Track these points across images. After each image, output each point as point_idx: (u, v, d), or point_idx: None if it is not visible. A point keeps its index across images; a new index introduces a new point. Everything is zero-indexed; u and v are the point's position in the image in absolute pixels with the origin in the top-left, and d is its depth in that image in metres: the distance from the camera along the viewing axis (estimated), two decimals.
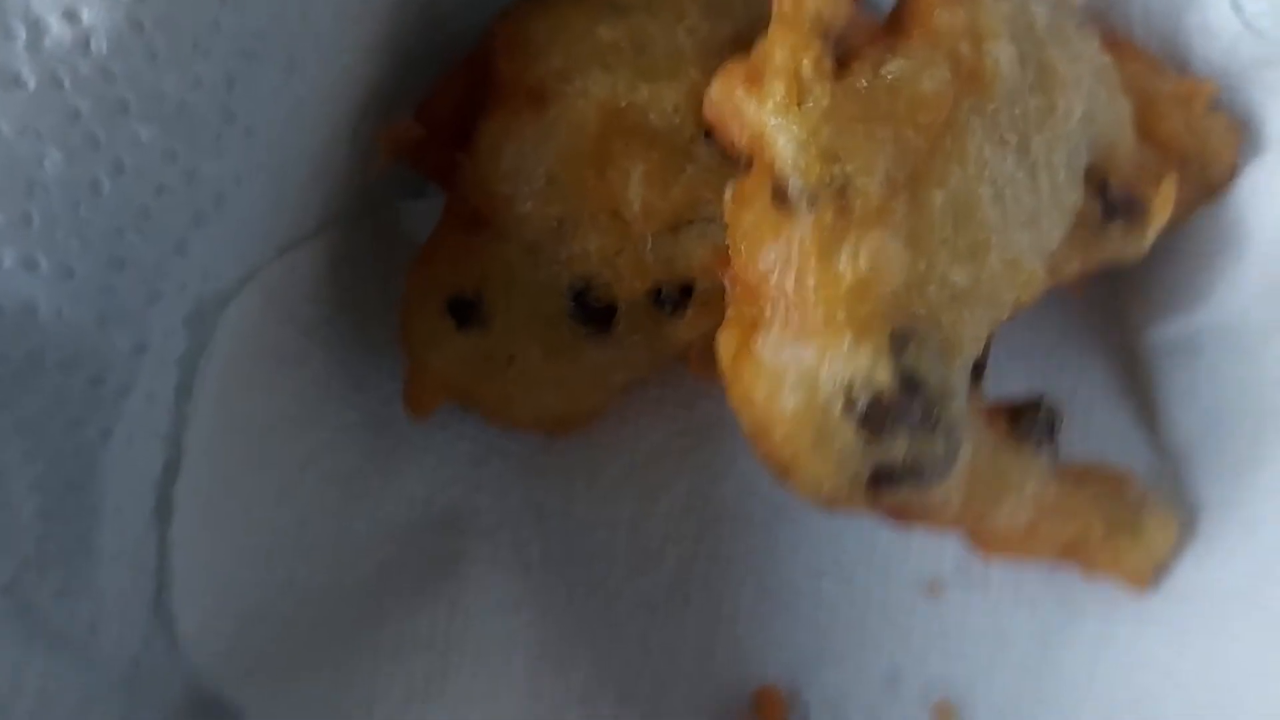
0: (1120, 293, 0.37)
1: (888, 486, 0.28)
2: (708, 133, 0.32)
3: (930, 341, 0.27)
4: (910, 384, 0.27)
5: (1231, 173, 0.34)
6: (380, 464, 0.35)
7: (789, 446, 0.28)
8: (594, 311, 0.33)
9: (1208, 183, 0.34)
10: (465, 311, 0.33)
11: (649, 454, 0.37)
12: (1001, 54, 0.29)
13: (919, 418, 0.27)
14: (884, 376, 0.27)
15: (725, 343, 0.29)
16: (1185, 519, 0.35)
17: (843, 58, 0.28)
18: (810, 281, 0.27)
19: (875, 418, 0.27)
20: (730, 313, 0.29)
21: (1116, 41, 0.34)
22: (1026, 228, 0.29)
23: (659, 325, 0.34)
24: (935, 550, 0.36)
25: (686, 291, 0.34)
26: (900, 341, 0.27)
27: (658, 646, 0.36)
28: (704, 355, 0.34)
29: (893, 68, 0.28)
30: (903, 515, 0.30)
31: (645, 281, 0.33)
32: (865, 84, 0.28)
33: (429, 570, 0.34)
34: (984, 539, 0.33)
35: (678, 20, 0.33)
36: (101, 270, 0.25)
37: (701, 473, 0.37)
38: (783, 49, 0.27)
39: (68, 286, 0.25)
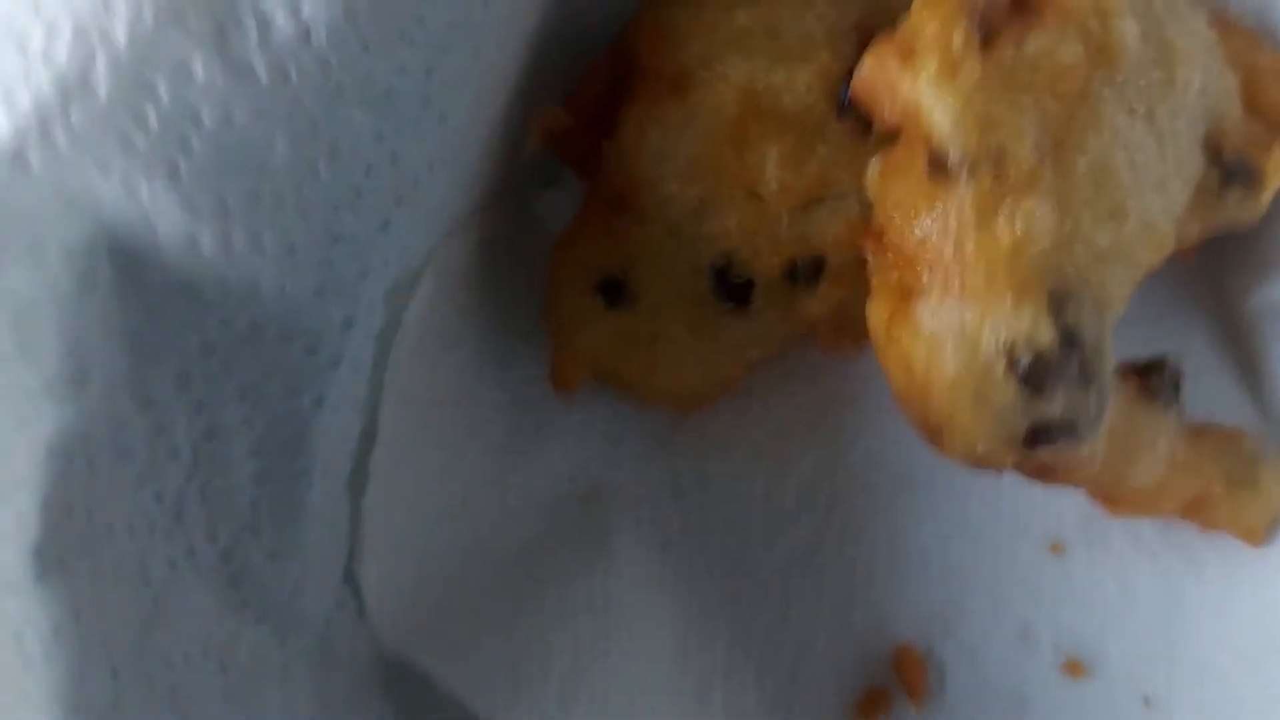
0: (1223, 259, 0.39)
1: (1044, 443, 0.29)
2: (839, 112, 0.34)
3: (1085, 299, 0.29)
4: (1070, 341, 0.28)
5: None
6: (527, 441, 0.36)
7: (948, 407, 0.29)
8: (734, 287, 0.35)
9: None
10: (614, 291, 0.35)
11: (778, 428, 0.39)
12: (1127, 30, 0.31)
13: (1076, 374, 0.29)
14: (1046, 335, 0.28)
15: (877, 311, 0.31)
16: None
17: (985, 33, 0.30)
18: (970, 246, 0.28)
19: (1037, 375, 0.28)
20: (876, 282, 0.31)
21: (1218, 17, 0.36)
22: (1157, 191, 0.31)
23: (793, 300, 0.36)
24: (1056, 511, 0.38)
25: (818, 266, 0.35)
26: (1058, 301, 0.28)
27: (795, 614, 0.37)
28: (833, 328, 0.36)
29: (1032, 42, 0.30)
30: (1046, 473, 0.32)
31: (781, 257, 0.35)
32: (1010, 57, 0.29)
33: (580, 541, 0.35)
34: (1116, 497, 0.35)
35: (807, 6, 0.35)
36: (319, 246, 0.27)
37: (829, 445, 0.39)
38: (934, 24, 0.29)
39: (290, 262, 0.26)
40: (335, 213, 0.27)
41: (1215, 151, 0.34)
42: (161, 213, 0.25)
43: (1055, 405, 0.29)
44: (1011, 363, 0.28)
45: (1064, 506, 0.38)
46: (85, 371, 0.24)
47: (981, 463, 0.30)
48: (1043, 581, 0.37)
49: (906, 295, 0.30)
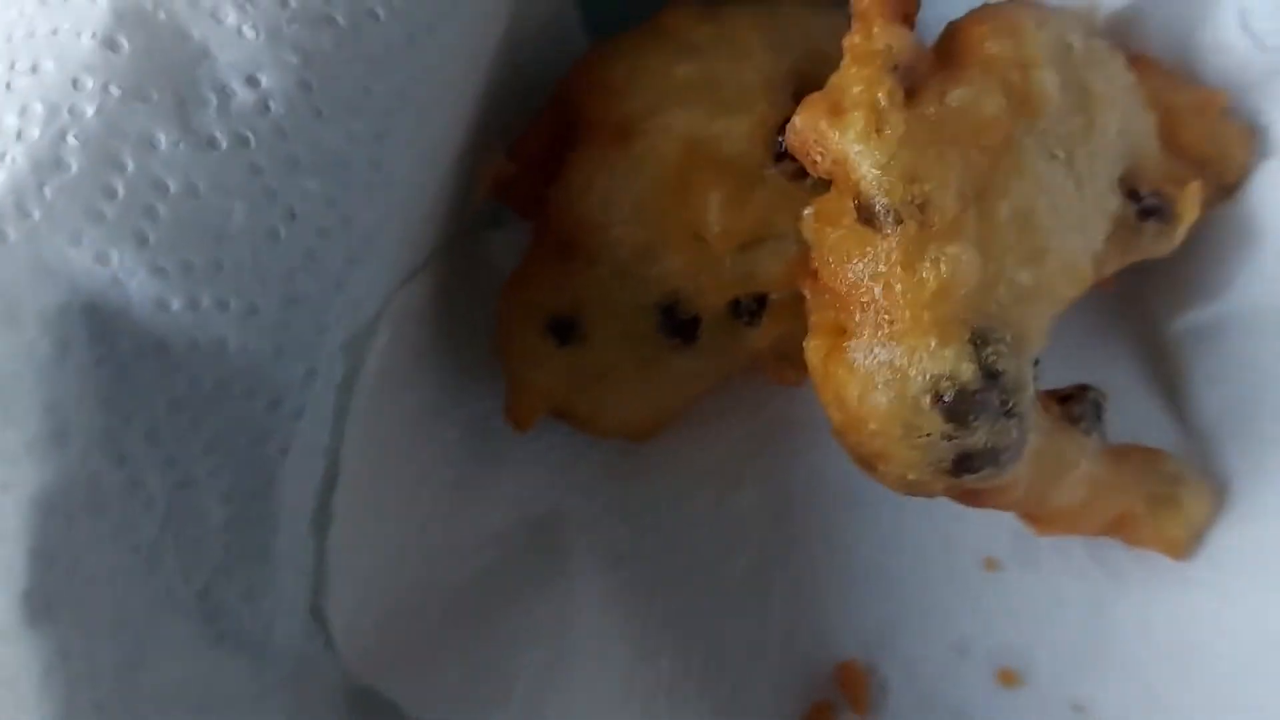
0: (1145, 287, 0.41)
1: (969, 471, 0.31)
2: (775, 159, 0.36)
3: (1005, 338, 0.31)
4: (990, 376, 0.30)
5: (1245, 174, 0.38)
6: (483, 474, 0.38)
7: (880, 439, 0.31)
8: (680, 324, 0.37)
9: (1224, 183, 0.38)
10: (565, 330, 0.37)
11: (722, 454, 0.41)
12: (1048, 80, 0.33)
13: (997, 407, 0.31)
14: (968, 372, 0.30)
15: (814, 349, 0.32)
16: (1218, 492, 0.39)
17: (909, 88, 0.32)
18: (897, 289, 0.30)
19: (960, 409, 0.30)
20: (813, 320, 0.33)
21: (1138, 58, 0.38)
22: (1077, 231, 0.33)
23: (737, 334, 0.38)
24: (990, 529, 0.40)
25: (761, 303, 0.37)
26: (980, 339, 0.30)
27: (742, 631, 0.39)
28: (776, 358, 0.38)
29: (955, 95, 0.31)
30: (974, 498, 0.34)
31: (725, 295, 0.37)
32: (933, 111, 0.31)
33: (536, 567, 0.37)
34: (1041, 517, 0.37)
35: (744, 58, 0.37)
36: (279, 308, 0.28)
37: (772, 468, 0.41)
38: (859, 83, 0.31)
39: (252, 323, 0.28)
40: (292, 275, 0.28)
41: (1132, 189, 0.36)
42: (131, 277, 0.26)
43: (979, 436, 0.31)
44: (937, 398, 0.30)
45: (997, 525, 0.40)
46: (63, 431, 0.25)
47: (913, 490, 0.32)
48: (978, 597, 0.39)
49: (841, 334, 0.32)
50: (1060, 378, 0.36)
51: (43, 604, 0.25)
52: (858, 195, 0.31)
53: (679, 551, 0.40)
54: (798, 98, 0.33)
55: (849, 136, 0.31)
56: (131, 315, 0.27)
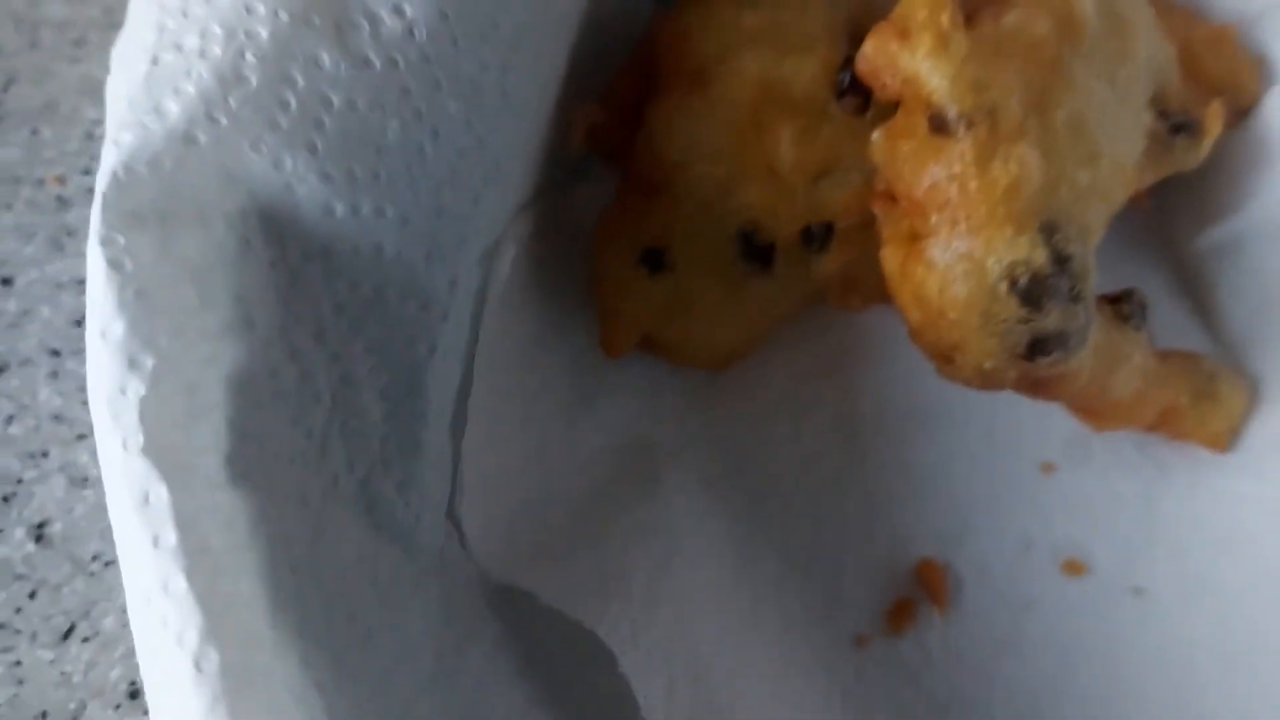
0: (1170, 207, 0.44)
1: (1042, 354, 0.34)
2: (838, 97, 0.39)
3: (1071, 227, 0.34)
4: (1060, 262, 0.33)
5: (1256, 100, 0.42)
6: (585, 400, 0.41)
7: (958, 329, 0.34)
8: (758, 250, 0.40)
9: (1238, 108, 0.42)
10: (655, 262, 0.39)
11: (798, 378, 0.43)
12: (1087, 5, 0.36)
13: (1066, 292, 0.34)
14: (1040, 257, 0.33)
15: (890, 256, 0.35)
16: (1252, 388, 0.42)
17: (968, 13, 0.35)
18: (972, 186, 0.33)
19: (1035, 293, 0.33)
20: (887, 233, 0.36)
21: (1156, 4, 0.41)
22: (1122, 139, 0.36)
23: (808, 261, 0.40)
24: (1045, 437, 0.43)
25: (829, 230, 0.40)
26: (1049, 230, 0.33)
27: (827, 537, 0.42)
28: (842, 287, 0.41)
29: (1009, 20, 0.35)
30: (1043, 387, 0.36)
31: (797, 224, 0.40)
32: (991, 32, 0.34)
33: (637, 482, 0.40)
34: (1099, 410, 0.39)
35: (805, 9, 0.40)
36: (428, 218, 0.31)
37: (843, 389, 0.43)
38: (924, 7, 0.34)
39: (405, 231, 0.30)
40: (439, 189, 0.31)
41: (1161, 109, 0.39)
42: (302, 182, 0.29)
43: (1051, 319, 0.33)
44: (1013, 283, 0.33)
45: (1051, 431, 0.43)
46: (250, 320, 0.28)
47: (988, 381, 0.35)
48: (1037, 496, 0.42)
49: (916, 239, 0.34)
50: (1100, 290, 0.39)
51: (241, 470, 0.27)
52: (930, 107, 0.34)
53: (763, 472, 0.42)
54: (855, 42, 0.36)
55: (919, 55, 0.34)
56: (301, 221, 0.29)
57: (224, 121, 0.28)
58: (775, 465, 0.42)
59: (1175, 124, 0.39)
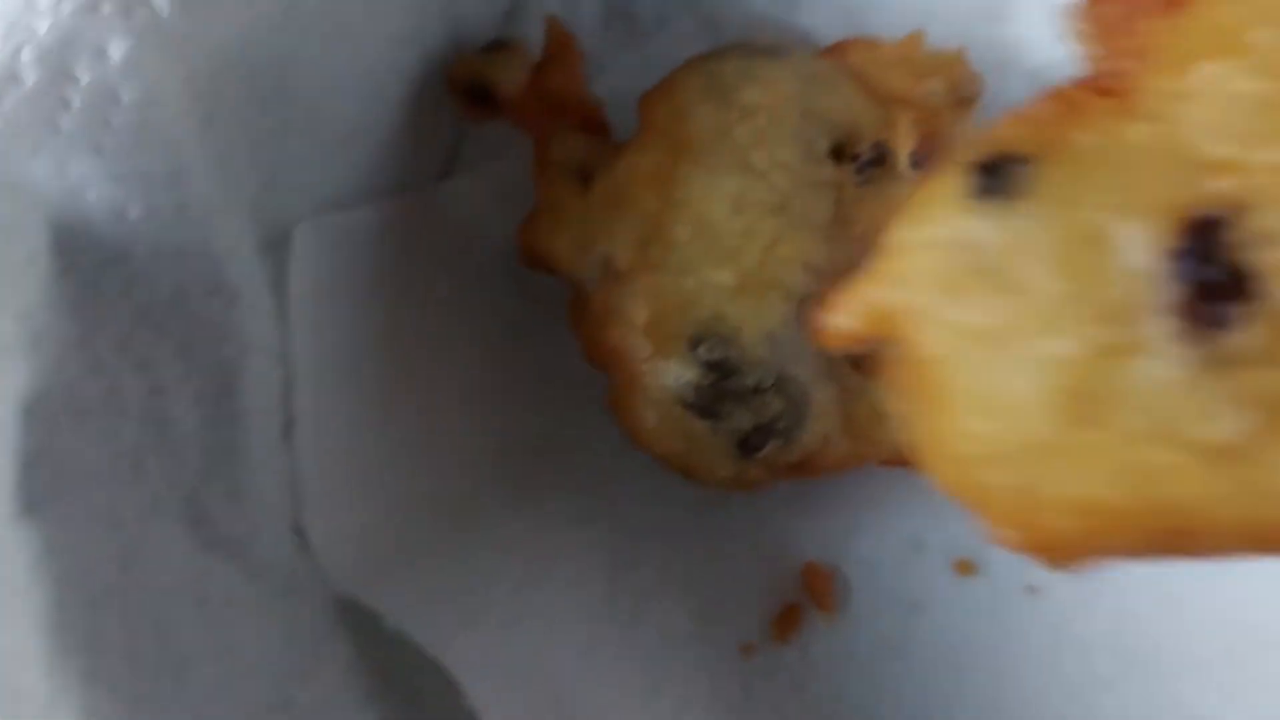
0: None
1: (756, 450, 0.33)
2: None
3: (717, 333, 0.33)
4: (714, 368, 0.33)
5: (979, 82, 0.39)
6: (455, 400, 0.38)
7: (676, 458, 0.34)
8: None
9: (968, 96, 0.39)
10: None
11: None
12: (697, 117, 0.34)
13: (746, 389, 0.33)
14: (692, 373, 0.33)
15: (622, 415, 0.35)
16: None
17: (583, 177, 0.35)
18: (617, 334, 0.33)
19: (706, 403, 0.33)
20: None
21: (835, 46, 0.38)
22: (777, 214, 0.34)
23: None
24: None
25: None
26: (694, 342, 0.33)
27: (712, 543, 0.39)
28: None
29: (619, 166, 0.34)
30: (806, 469, 0.35)
31: None
32: (601, 186, 0.34)
33: (510, 487, 0.37)
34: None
35: None
36: (228, 210, 0.28)
37: None
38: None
39: (206, 227, 0.28)
40: (238, 181, 0.28)
41: (851, 153, 0.37)
42: (91, 186, 0.26)
43: (741, 418, 0.33)
44: (684, 401, 0.33)
45: None
46: (38, 338, 0.25)
47: (742, 486, 0.35)
48: (930, 496, 0.39)
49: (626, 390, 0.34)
50: None
51: (32, 499, 0.24)
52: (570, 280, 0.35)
53: (649, 474, 0.39)
54: None
55: (551, 239, 0.35)
56: (93, 227, 0.27)
57: None
58: (655, 473, 0.39)
59: (864, 163, 0.36)
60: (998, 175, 0.16)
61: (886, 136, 0.36)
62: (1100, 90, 0.16)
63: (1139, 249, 0.15)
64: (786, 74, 0.36)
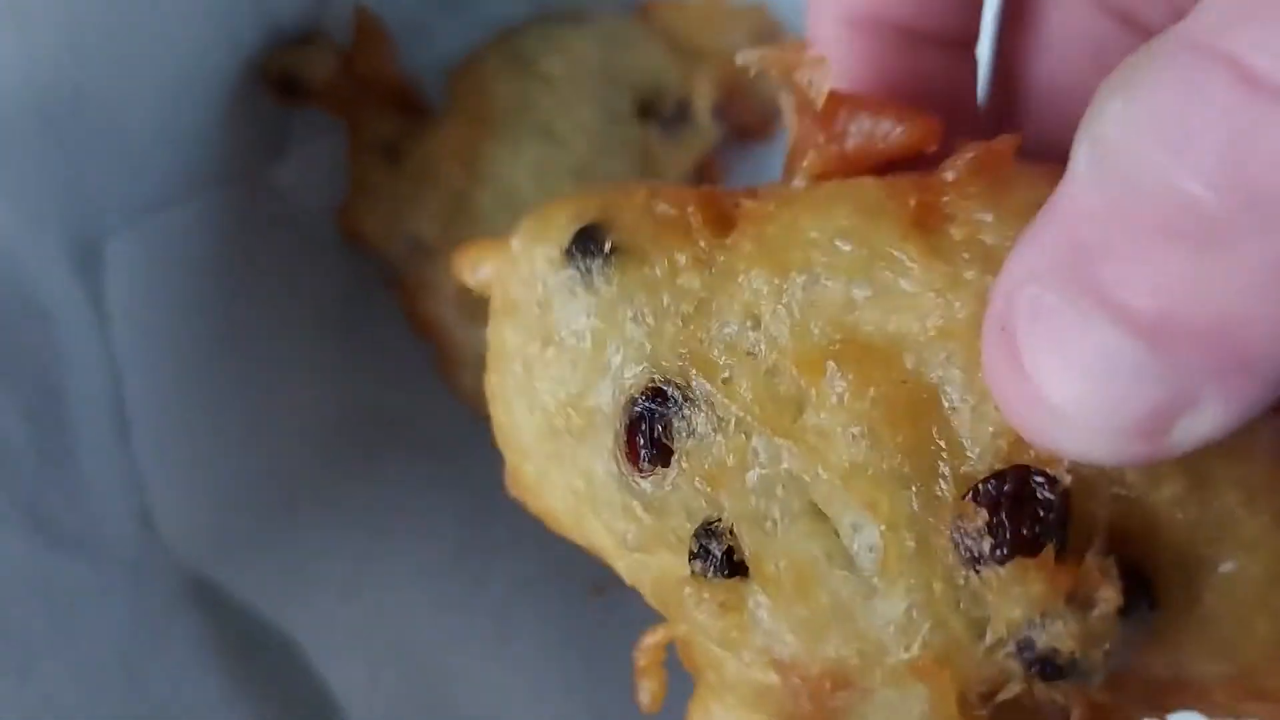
0: None
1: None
2: None
3: None
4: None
5: (780, 31, 0.40)
6: (301, 375, 0.38)
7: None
8: None
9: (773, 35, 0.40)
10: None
11: None
12: (498, 90, 0.35)
13: None
14: None
15: None
16: None
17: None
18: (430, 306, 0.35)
19: None
20: None
21: (646, 8, 0.39)
22: (579, 177, 0.35)
23: None
24: None
25: None
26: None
27: None
28: None
29: (425, 142, 0.35)
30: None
31: None
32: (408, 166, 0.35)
33: (351, 460, 0.38)
34: None
35: None
36: (30, 242, 0.29)
37: None
38: None
39: (12, 248, 0.28)
40: (36, 205, 0.29)
41: (650, 110, 0.37)
42: None
43: None
44: None
45: None
46: None
47: None
48: None
49: None
50: None
51: None
52: None
53: (487, 437, 0.40)
54: None
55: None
56: None
57: None
58: None
59: (666, 119, 0.37)
60: (591, 242, 0.18)
61: (688, 91, 0.37)
62: (748, 196, 0.18)
63: (623, 381, 0.18)
64: (588, 39, 0.37)
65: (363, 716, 0.33)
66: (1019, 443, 0.16)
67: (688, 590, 0.18)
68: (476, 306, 0.34)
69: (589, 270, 0.19)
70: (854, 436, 0.17)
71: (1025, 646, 0.16)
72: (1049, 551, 0.16)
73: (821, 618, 0.17)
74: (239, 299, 0.37)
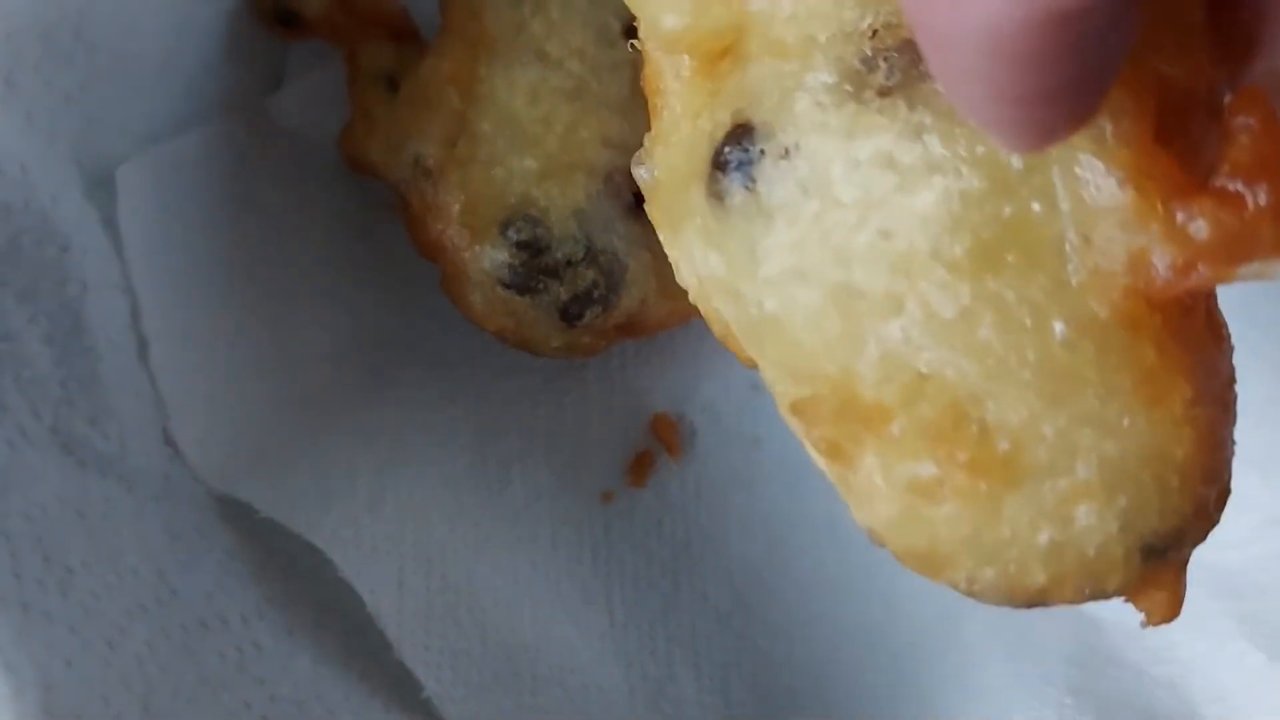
0: None
1: (578, 318, 0.34)
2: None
3: (526, 215, 0.34)
4: (525, 246, 0.33)
5: None
6: (306, 305, 0.38)
7: (508, 334, 0.34)
8: None
9: None
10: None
11: None
12: (491, 14, 0.34)
13: (556, 262, 0.34)
14: (503, 252, 0.33)
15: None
16: None
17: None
18: (436, 228, 0.34)
19: (521, 281, 0.34)
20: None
21: None
22: (574, 99, 0.34)
23: None
24: None
25: None
26: (504, 226, 0.33)
27: (569, 405, 0.40)
28: None
29: (421, 69, 0.34)
30: (635, 329, 0.36)
31: None
32: (410, 92, 0.34)
33: (369, 381, 0.38)
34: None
35: None
36: (44, 161, 0.28)
37: None
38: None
39: (26, 180, 0.28)
40: (49, 132, 0.28)
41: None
42: None
43: (559, 290, 0.34)
44: (502, 281, 0.34)
45: None
46: None
47: (580, 352, 0.35)
48: None
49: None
50: None
51: None
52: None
53: (500, 352, 0.40)
54: None
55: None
56: None
57: None
58: (507, 348, 0.40)
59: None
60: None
61: None
62: None
63: None
64: None
65: (392, 621, 0.33)
66: None
67: None
68: (481, 226, 0.34)
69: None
70: None
71: None
72: None
73: None
74: (248, 226, 0.36)
